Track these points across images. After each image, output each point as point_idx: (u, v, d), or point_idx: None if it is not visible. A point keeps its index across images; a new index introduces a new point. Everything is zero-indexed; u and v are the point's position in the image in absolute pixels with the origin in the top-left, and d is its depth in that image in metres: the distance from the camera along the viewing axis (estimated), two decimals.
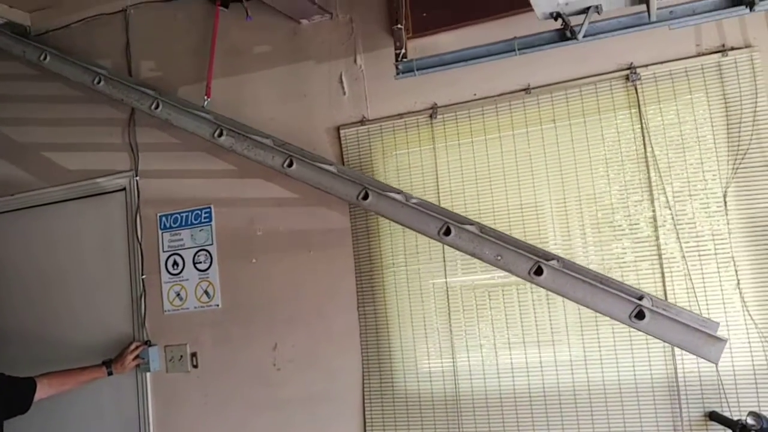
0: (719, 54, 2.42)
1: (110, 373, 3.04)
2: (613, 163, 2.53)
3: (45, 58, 3.27)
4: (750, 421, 2.21)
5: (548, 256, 2.30)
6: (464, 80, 2.69)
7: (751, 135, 2.37)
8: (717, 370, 2.34)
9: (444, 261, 2.72)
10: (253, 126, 2.92)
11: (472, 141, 2.72)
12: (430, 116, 2.78)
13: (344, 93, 2.96)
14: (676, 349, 2.40)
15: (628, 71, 2.51)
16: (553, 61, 2.53)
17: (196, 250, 3.15)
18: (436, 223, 2.42)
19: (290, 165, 2.69)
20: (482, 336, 2.66)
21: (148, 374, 3.18)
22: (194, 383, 3.13)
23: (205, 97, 3.02)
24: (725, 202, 2.39)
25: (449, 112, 2.75)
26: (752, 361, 2.33)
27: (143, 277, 3.24)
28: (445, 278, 2.72)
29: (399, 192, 2.57)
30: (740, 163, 2.38)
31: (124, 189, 3.33)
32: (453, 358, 2.69)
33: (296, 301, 2.96)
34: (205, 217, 3.15)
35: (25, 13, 3.57)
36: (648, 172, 2.48)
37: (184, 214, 3.19)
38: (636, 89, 2.50)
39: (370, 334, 2.83)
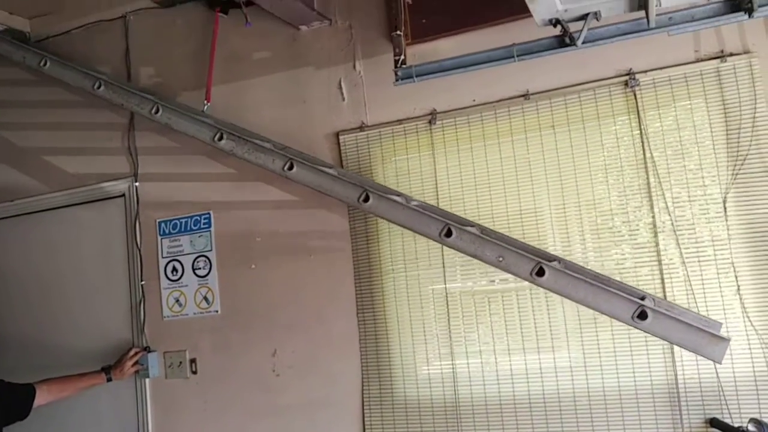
0: (718, 60, 2.42)
1: (109, 380, 3.04)
2: (612, 169, 2.53)
3: (45, 64, 3.28)
4: (751, 428, 2.20)
5: (550, 258, 2.30)
6: (463, 86, 2.69)
7: (750, 141, 2.37)
8: (717, 377, 2.34)
9: (443, 267, 2.72)
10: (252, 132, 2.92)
11: (471, 147, 2.72)
12: (429, 122, 2.78)
13: (343, 99, 2.96)
14: (676, 354, 2.40)
15: (627, 77, 2.51)
16: (552, 67, 2.53)
17: (195, 256, 3.15)
18: (437, 225, 2.42)
19: (291, 168, 2.69)
20: (482, 342, 2.66)
21: (147, 380, 3.18)
22: (193, 389, 3.12)
23: (205, 102, 3.03)
24: (725, 208, 2.39)
25: (448, 118, 2.75)
26: (753, 367, 2.32)
27: (142, 283, 3.24)
28: (445, 284, 2.72)
29: (399, 194, 2.57)
30: (740, 169, 2.38)
31: (124, 195, 3.33)
32: (452, 364, 2.69)
33: (295, 307, 2.96)
34: (204, 223, 3.15)
35: (24, 19, 3.58)
36: (647, 178, 2.48)
37: (183, 220, 3.19)
38: (635, 95, 2.50)
39: (369, 340, 2.83)
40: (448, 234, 2.39)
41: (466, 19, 2.68)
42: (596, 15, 2.03)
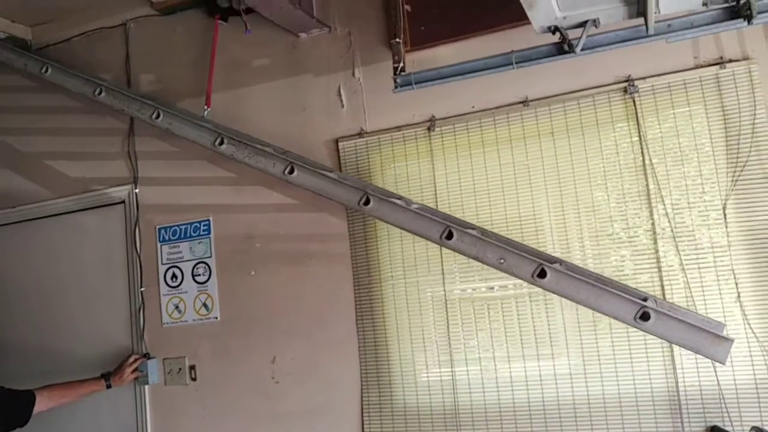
0: (717, 66, 2.42)
1: (109, 386, 3.04)
2: (611, 175, 2.53)
3: (46, 71, 3.29)
4: None
5: (551, 259, 2.29)
6: (462, 93, 2.69)
7: (750, 147, 2.36)
8: (718, 384, 2.33)
9: (443, 273, 2.72)
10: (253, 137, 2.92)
11: (470, 153, 2.72)
12: (429, 129, 2.78)
13: (343, 106, 2.96)
14: (676, 361, 2.39)
15: (626, 84, 2.51)
16: (551, 73, 2.53)
17: (194, 262, 3.15)
18: (438, 227, 2.41)
19: (291, 172, 2.70)
20: (481, 348, 2.65)
21: (146, 387, 3.18)
22: (193, 396, 3.12)
23: (205, 107, 3.03)
24: (725, 214, 2.38)
25: (447, 125, 2.76)
26: (754, 374, 2.31)
27: (142, 289, 3.24)
28: (444, 290, 2.71)
29: (400, 197, 2.56)
30: (739, 176, 2.37)
31: (124, 201, 3.33)
32: (452, 370, 2.68)
33: (295, 314, 2.95)
34: (203, 230, 3.15)
35: (26, 27, 3.60)
36: (646, 184, 2.48)
37: (182, 227, 3.19)
38: (634, 102, 2.50)
39: (368, 346, 2.82)
40: (449, 236, 2.38)
41: (464, 26, 2.69)
42: (595, 22, 2.03)
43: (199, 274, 3.14)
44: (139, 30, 3.41)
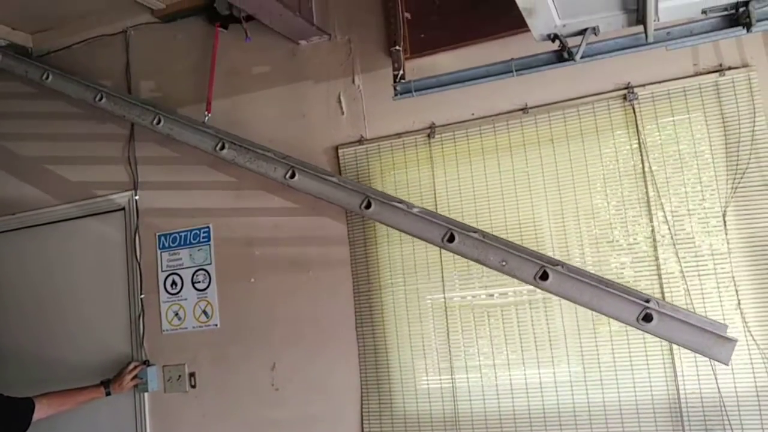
0: (717, 74, 2.42)
1: (108, 394, 3.03)
2: (610, 181, 2.53)
3: (47, 78, 3.30)
4: None
5: (553, 262, 2.28)
6: (462, 100, 2.69)
7: (750, 154, 2.36)
8: (719, 391, 2.32)
9: (442, 280, 2.71)
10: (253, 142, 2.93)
11: (470, 160, 2.72)
12: (428, 136, 2.78)
13: (342, 113, 2.97)
14: (677, 368, 2.38)
15: (625, 91, 2.51)
16: (551, 80, 2.53)
17: (194, 269, 3.15)
18: (439, 230, 2.42)
19: (292, 176, 2.70)
20: (481, 355, 2.65)
21: (146, 394, 3.17)
22: (192, 403, 3.11)
23: (206, 113, 3.04)
24: (724, 221, 2.38)
25: (447, 132, 2.76)
26: (755, 382, 2.31)
27: (142, 296, 3.24)
28: (444, 297, 2.71)
29: (401, 201, 2.56)
30: (739, 183, 2.37)
31: (124, 208, 3.33)
32: (452, 378, 2.68)
33: (295, 321, 2.95)
34: (203, 237, 3.15)
35: (27, 34, 3.61)
36: (646, 190, 2.48)
37: (182, 234, 3.19)
38: (633, 109, 2.50)
39: (368, 353, 2.82)
40: (451, 239, 2.38)
41: (464, 33, 2.70)
42: (594, 30, 2.04)
43: (199, 281, 3.13)
44: (140, 37, 3.42)
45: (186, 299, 3.15)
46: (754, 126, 2.37)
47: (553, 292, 2.24)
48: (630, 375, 2.44)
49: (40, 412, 2.80)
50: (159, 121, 3.01)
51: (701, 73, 2.45)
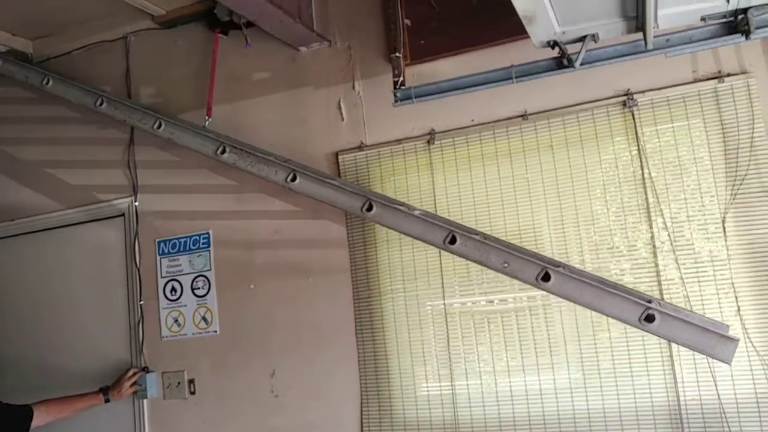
0: (716, 80, 2.43)
1: (107, 400, 3.02)
2: (610, 187, 2.53)
3: (48, 83, 3.31)
4: None
5: (555, 263, 2.29)
6: (462, 106, 2.70)
7: (749, 161, 2.37)
8: (719, 398, 2.32)
9: (442, 286, 2.71)
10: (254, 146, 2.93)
11: (469, 167, 2.72)
12: (428, 142, 2.79)
13: (342, 119, 2.97)
14: (677, 375, 2.38)
15: (624, 97, 2.51)
16: (550, 87, 2.53)
17: (194, 275, 3.14)
18: (441, 232, 2.42)
19: (294, 179, 2.70)
20: (481, 361, 2.64)
21: (145, 401, 3.16)
22: (192, 410, 3.10)
23: (207, 117, 3.04)
24: (724, 228, 2.38)
25: (447, 138, 2.76)
26: (755, 388, 2.31)
27: (141, 302, 3.23)
28: (444, 304, 2.71)
29: (402, 204, 2.56)
30: (738, 189, 2.37)
31: (123, 214, 3.33)
32: (452, 384, 2.67)
33: (294, 328, 2.94)
34: (203, 243, 3.14)
35: (27, 40, 3.61)
36: (645, 195, 2.48)
37: (182, 240, 3.19)
38: (633, 115, 2.51)
39: (368, 360, 2.81)
40: (453, 241, 2.39)
41: (464, 40, 2.70)
42: (594, 37, 2.05)
43: (199, 288, 3.13)
44: (140, 43, 3.42)
45: (185, 305, 3.15)
46: (753, 132, 2.37)
47: (555, 293, 2.24)
48: (630, 381, 2.44)
49: (39, 419, 2.78)
50: (160, 126, 3.02)
51: (700, 80, 2.45)
